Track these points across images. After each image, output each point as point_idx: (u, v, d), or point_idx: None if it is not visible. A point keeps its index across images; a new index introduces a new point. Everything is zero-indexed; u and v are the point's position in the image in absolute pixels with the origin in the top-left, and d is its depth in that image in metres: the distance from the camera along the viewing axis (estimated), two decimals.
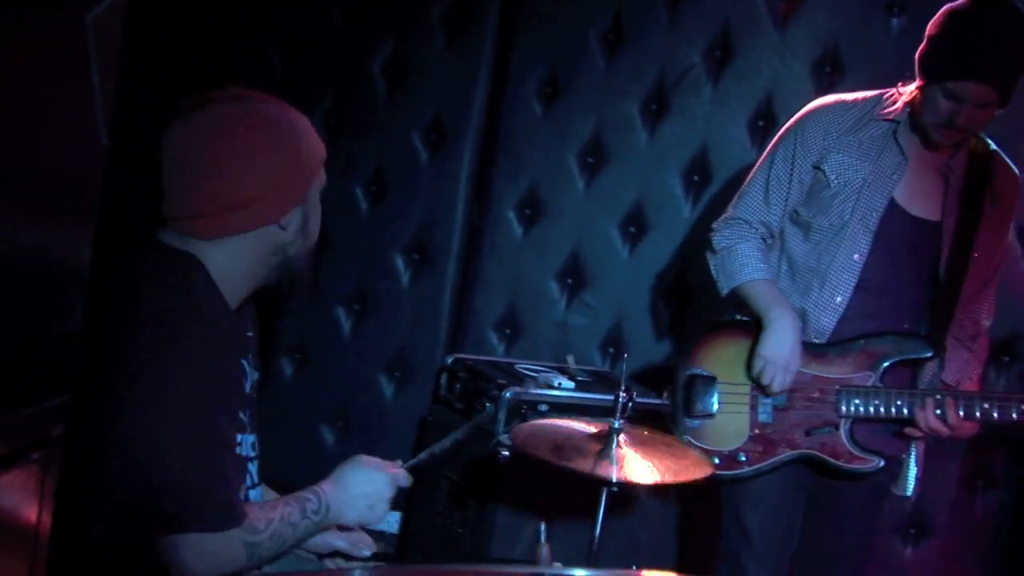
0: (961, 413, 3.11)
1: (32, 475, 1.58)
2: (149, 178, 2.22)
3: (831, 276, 3.23)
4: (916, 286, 3.26)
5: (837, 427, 3.21)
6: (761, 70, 4.22)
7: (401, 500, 3.71)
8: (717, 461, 3.22)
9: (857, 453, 3.20)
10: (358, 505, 2.41)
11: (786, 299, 3.28)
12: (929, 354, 3.20)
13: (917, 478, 3.34)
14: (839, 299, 3.23)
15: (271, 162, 2.22)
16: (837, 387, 3.22)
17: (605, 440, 2.74)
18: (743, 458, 3.24)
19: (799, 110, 3.32)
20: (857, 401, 3.19)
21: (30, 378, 1.54)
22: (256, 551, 2.19)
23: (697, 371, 3.33)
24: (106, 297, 2.17)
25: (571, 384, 3.81)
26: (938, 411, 3.12)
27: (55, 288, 1.54)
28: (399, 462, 2.56)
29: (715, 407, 3.29)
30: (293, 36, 4.56)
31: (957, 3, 3.10)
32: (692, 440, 3.26)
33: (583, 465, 2.67)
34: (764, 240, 3.36)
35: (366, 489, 2.43)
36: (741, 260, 3.32)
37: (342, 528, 2.50)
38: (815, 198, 3.27)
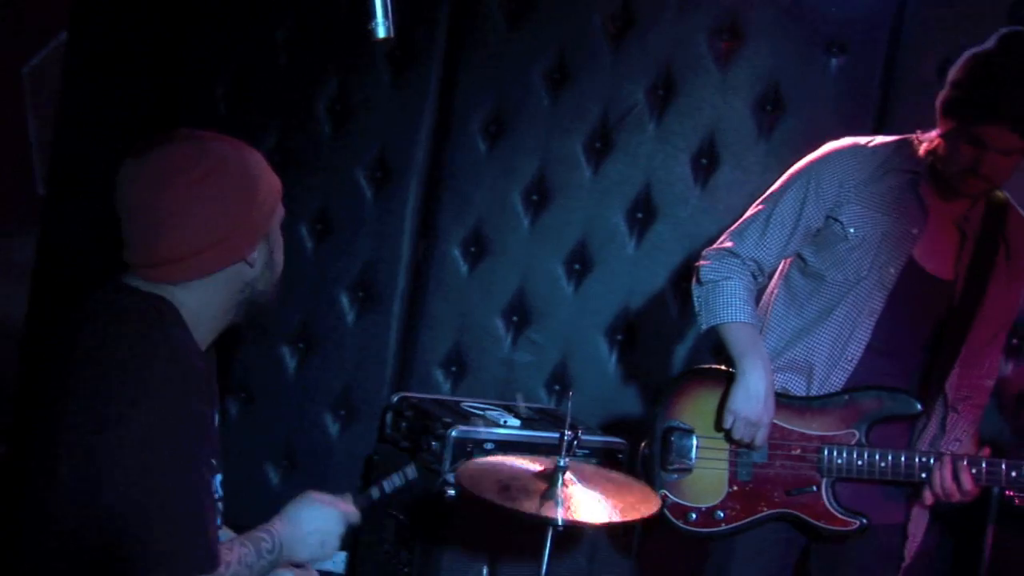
0: (977, 475, 2.97)
1: None
2: (89, 227, 2.19)
3: (843, 332, 3.10)
4: (924, 347, 3.13)
5: (818, 486, 3.08)
6: (703, 108, 4.26)
7: (348, 540, 3.67)
8: (694, 517, 3.11)
9: (839, 515, 3.06)
10: (310, 542, 2.42)
11: (762, 347, 3.13)
12: (917, 410, 3.06)
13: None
14: (850, 356, 3.09)
15: (232, 202, 2.21)
16: (818, 444, 3.08)
17: (551, 479, 2.76)
18: (720, 515, 3.09)
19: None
20: (840, 460, 3.05)
21: None
22: None
23: (675, 423, 3.17)
24: (56, 346, 2.14)
25: (517, 422, 3.82)
26: (953, 474, 2.97)
27: None
28: (348, 496, 2.56)
29: (692, 461, 3.14)
30: (237, 75, 4.54)
31: (982, 47, 2.96)
32: (669, 494, 3.12)
33: (529, 506, 2.67)
34: (755, 277, 3.19)
35: (318, 526, 2.43)
36: (725, 298, 3.15)
37: (297, 566, 2.49)
38: (829, 250, 3.13)
